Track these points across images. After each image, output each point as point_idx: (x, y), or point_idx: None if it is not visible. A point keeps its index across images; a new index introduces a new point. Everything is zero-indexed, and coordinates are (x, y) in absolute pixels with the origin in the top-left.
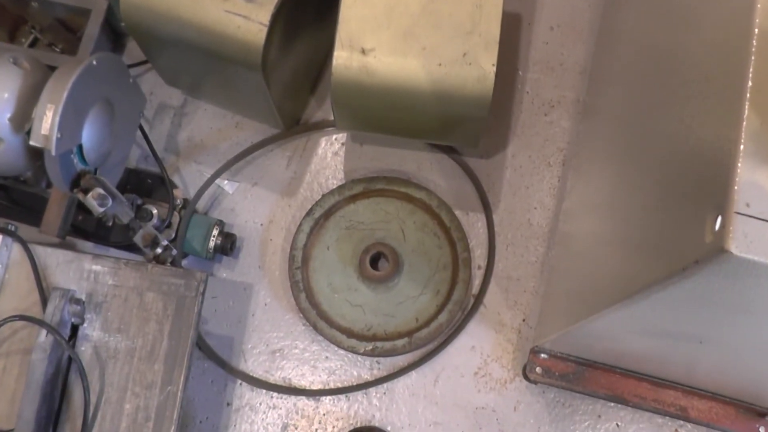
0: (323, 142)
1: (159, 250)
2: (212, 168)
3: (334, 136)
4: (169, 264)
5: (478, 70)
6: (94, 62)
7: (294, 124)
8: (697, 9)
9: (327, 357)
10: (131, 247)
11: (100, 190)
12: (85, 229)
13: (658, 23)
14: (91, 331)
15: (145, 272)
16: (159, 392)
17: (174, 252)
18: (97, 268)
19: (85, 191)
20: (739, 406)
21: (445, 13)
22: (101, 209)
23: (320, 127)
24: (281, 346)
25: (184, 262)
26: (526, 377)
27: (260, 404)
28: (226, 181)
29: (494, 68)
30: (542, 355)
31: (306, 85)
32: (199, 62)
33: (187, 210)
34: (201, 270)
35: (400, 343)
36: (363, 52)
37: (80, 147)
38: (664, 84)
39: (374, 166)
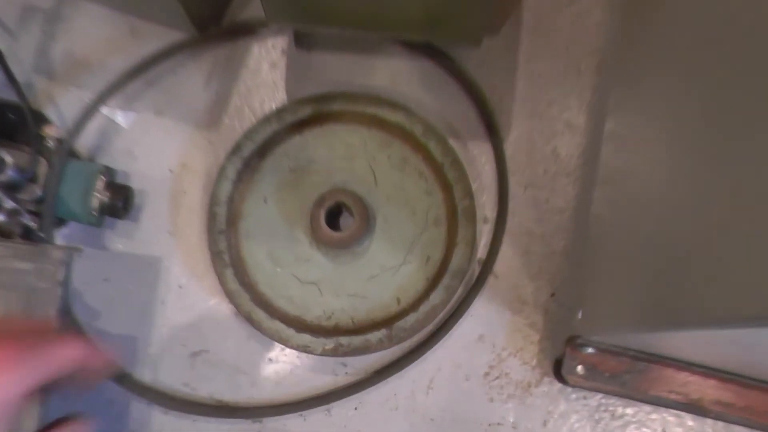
0: (255, 49)
1: (1, 217)
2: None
3: (270, 42)
4: (18, 238)
5: None
6: None
7: (212, 26)
8: None
9: (270, 360)
10: None
11: None
12: None
13: None
14: None
15: None
16: None
17: (27, 219)
18: None
19: None
20: None
21: None
22: None
23: (250, 28)
24: (205, 347)
25: (63, 232)
26: (559, 378)
27: None
28: (118, 111)
29: None
30: (588, 350)
31: None
32: None
33: (60, 154)
34: (63, 246)
35: (374, 336)
36: None
37: None
38: None
39: (329, 79)
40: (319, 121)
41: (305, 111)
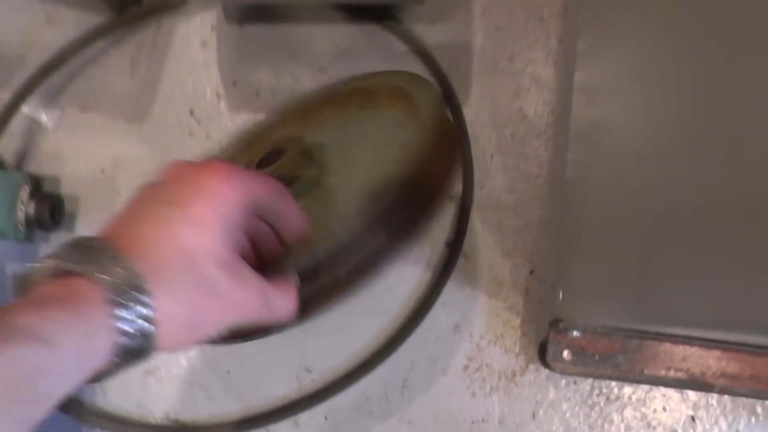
0: (182, 27)
1: None
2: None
3: (198, 18)
4: None
5: None
6: None
7: (131, 5)
8: None
9: (228, 372)
10: None
11: None
12: None
13: None
14: None
15: None
16: None
17: None
18: None
19: None
20: None
21: None
22: None
23: (173, 4)
24: (156, 362)
25: None
26: (545, 363)
27: None
28: (41, 110)
29: None
30: (573, 333)
31: None
32: None
33: None
34: None
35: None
36: None
37: None
38: None
39: (266, 56)
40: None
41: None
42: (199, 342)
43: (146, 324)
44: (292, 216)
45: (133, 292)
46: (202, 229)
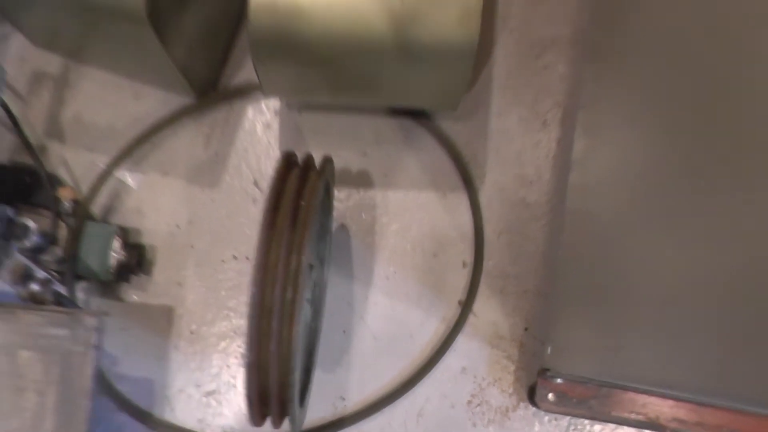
0: (250, 111)
1: (35, 287)
2: (107, 155)
3: (264, 103)
4: (51, 303)
5: (458, 5)
6: None
7: (209, 91)
8: None
9: None
10: None
11: None
12: None
13: None
14: None
15: (13, 322)
16: None
17: (57, 287)
18: None
19: None
20: None
21: None
22: None
23: (245, 92)
24: (216, 386)
25: (81, 285)
26: (533, 402)
27: None
28: (127, 173)
29: (480, 3)
30: (556, 380)
31: (220, 37)
32: (71, 17)
33: (78, 218)
34: (93, 311)
35: None
36: None
37: None
38: None
39: (319, 140)
40: None
41: None
42: None
43: None
44: None
45: None
46: None
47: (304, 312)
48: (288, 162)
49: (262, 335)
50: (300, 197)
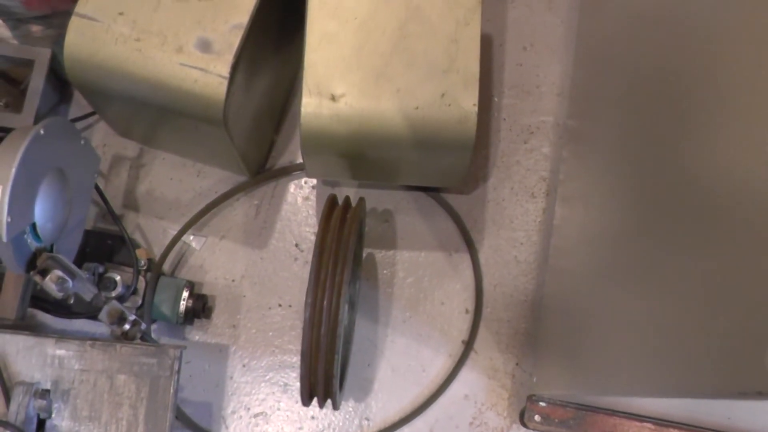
0: (292, 186)
1: (127, 326)
2: (175, 222)
3: (303, 180)
4: (138, 339)
5: (459, 110)
6: (42, 131)
7: (260, 170)
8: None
9: (313, 417)
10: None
11: (59, 272)
12: (45, 299)
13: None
14: (60, 421)
15: (113, 353)
16: None
17: (143, 326)
18: (61, 352)
19: (43, 273)
20: None
21: (419, 50)
22: (61, 293)
23: (288, 171)
24: (263, 408)
25: (153, 327)
26: (524, 424)
27: None
28: (192, 237)
29: (476, 108)
30: (541, 403)
31: (269, 127)
32: (153, 117)
33: (153, 273)
34: (174, 345)
35: None
36: (333, 98)
37: (33, 225)
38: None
39: None
40: None
41: None
42: None
43: None
44: None
45: None
46: None
47: (340, 329)
48: (332, 203)
49: (314, 326)
50: (342, 229)
